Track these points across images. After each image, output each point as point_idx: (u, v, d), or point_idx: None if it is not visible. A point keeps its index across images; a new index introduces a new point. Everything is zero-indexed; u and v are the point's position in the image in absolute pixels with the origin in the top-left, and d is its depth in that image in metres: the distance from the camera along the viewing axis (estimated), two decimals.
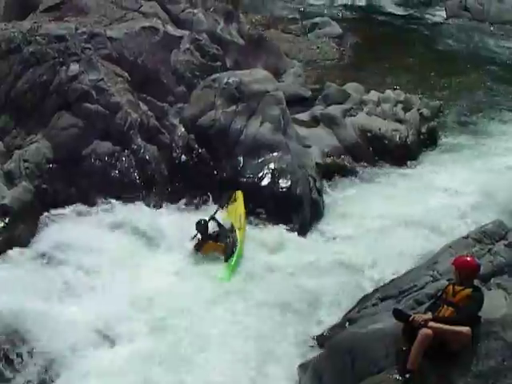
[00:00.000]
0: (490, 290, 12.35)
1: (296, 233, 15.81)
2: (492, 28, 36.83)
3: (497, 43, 34.27)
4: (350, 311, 13.21)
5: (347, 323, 12.60)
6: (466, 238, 13.79)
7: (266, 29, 29.65)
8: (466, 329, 9.82)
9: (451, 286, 10.47)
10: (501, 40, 34.93)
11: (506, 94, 26.87)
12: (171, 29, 19.80)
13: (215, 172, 16.50)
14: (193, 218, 15.34)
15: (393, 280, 13.65)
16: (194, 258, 14.58)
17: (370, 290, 13.81)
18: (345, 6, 38.75)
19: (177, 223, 15.44)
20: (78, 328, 12.26)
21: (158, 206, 16.08)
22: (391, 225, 16.55)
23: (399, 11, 39.39)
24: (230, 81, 17.46)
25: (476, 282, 12.18)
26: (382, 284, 13.91)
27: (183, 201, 16.21)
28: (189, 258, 14.57)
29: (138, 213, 15.66)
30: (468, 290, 10.21)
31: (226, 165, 16.59)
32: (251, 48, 22.52)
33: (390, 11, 38.98)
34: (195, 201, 16.22)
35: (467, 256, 10.68)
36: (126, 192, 15.97)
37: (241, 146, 16.72)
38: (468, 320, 9.97)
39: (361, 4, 39.85)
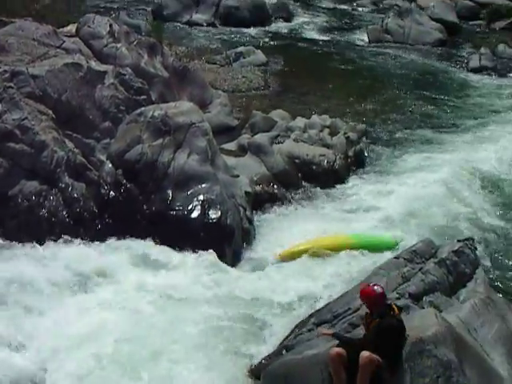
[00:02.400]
0: (423, 308, 12.60)
1: (228, 263, 15.77)
2: (413, 49, 37.67)
3: (417, 64, 35.05)
4: (286, 338, 13.15)
5: (284, 351, 12.54)
6: (397, 258, 14.03)
7: (191, 60, 29.75)
8: (365, 354, 9.89)
9: (366, 314, 10.63)
10: (421, 60, 35.70)
11: (427, 113, 27.57)
12: (95, 64, 19.62)
13: (145, 206, 16.33)
14: (123, 253, 15.30)
15: (327, 304, 13.69)
16: (123, 294, 14.45)
17: (305, 315, 13.80)
18: (269, 33, 39.14)
19: (107, 260, 15.28)
20: None
21: (87, 243, 15.87)
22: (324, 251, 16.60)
23: (322, 37, 40.06)
24: (156, 114, 17.37)
25: (407, 302, 12.43)
26: (316, 309, 13.96)
27: (113, 237, 16.02)
28: (118, 293, 14.43)
29: (67, 251, 15.46)
30: (375, 321, 10.27)
31: (156, 198, 16.40)
32: (176, 80, 22.48)
33: (313, 37, 39.56)
34: (126, 236, 16.07)
35: (372, 285, 10.70)
36: (55, 231, 15.75)
37: (169, 178, 16.59)
38: (377, 351, 10.00)
39: (284, 31, 40.34)
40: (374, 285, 10.70)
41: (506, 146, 24.75)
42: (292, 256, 16.50)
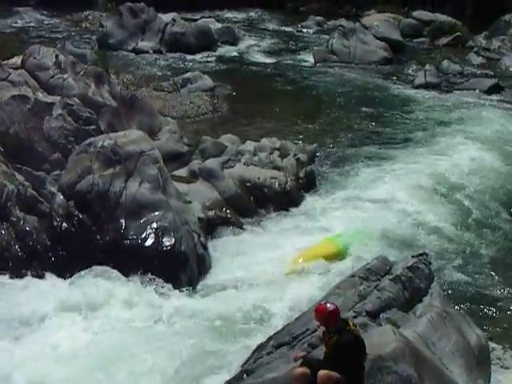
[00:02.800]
0: (381, 325, 12.67)
1: (183, 290, 15.73)
2: (359, 69, 38.12)
3: (363, 82, 35.44)
4: (245, 362, 13.10)
5: (244, 375, 12.42)
6: (353, 276, 14.08)
7: (138, 88, 29.71)
8: (322, 373, 9.93)
9: (324, 333, 10.67)
10: (367, 79, 36.09)
11: (375, 130, 27.93)
12: (42, 96, 19.56)
13: (98, 237, 16.19)
14: (78, 285, 15.19)
15: (286, 326, 13.68)
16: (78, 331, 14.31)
17: (264, 338, 13.78)
18: (215, 58, 39.26)
19: (62, 293, 15.12)
20: None
21: (41, 276, 15.72)
22: (278, 273, 16.73)
23: (269, 59, 40.33)
24: (106, 144, 17.21)
25: (364, 320, 12.50)
26: (275, 331, 13.95)
27: (68, 269, 15.85)
28: (74, 328, 14.31)
29: (21, 284, 15.31)
30: (333, 339, 10.26)
31: (109, 228, 16.24)
32: (124, 109, 22.42)
33: (259, 60, 39.80)
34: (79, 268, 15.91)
35: (324, 303, 10.74)
36: (7, 265, 15.59)
37: (122, 208, 16.46)
38: (338, 368, 10.00)
39: (230, 55, 40.50)
40: (326, 303, 10.74)
41: (456, 157, 25.17)
42: (295, 270, 16.91)
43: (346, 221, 19.61)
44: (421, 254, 14.78)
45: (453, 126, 29.29)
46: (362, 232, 18.81)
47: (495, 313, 16.01)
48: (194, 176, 20.48)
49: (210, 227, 18.57)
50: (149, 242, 16.14)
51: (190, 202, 18.38)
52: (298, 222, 19.65)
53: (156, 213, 16.56)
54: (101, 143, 17.34)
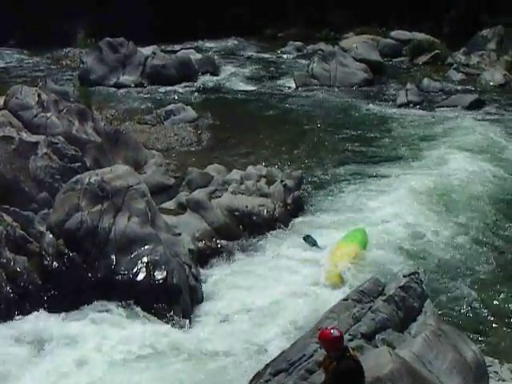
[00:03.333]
0: (377, 346, 12.68)
1: (177, 322, 15.66)
2: (340, 91, 38.29)
3: (346, 105, 35.61)
4: None
5: None
6: (346, 299, 14.07)
7: (122, 122, 29.77)
8: None
9: (324, 358, 10.66)
10: (349, 101, 36.26)
11: (361, 152, 28.15)
12: (26, 135, 19.62)
13: (89, 274, 16.14)
14: (71, 323, 15.17)
15: (282, 353, 13.65)
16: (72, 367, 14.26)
17: (261, 366, 13.75)
18: (197, 89, 39.38)
19: (56, 331, 15.08)
20: None
21: (35, 316, 15.66)
22: (273, 300, 16.69)
23: (250, 87, 40.43)
24: (92, 180, 17.21)
25: (360, 342, 12.50)
26: (272, 358, 13.92)
27: (60, 308, 15.80)
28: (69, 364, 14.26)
29: (15, 325, 15.27)
30: (333, 364, 10.28)
31: (100, 265, 16.21)
32: (109, 144, 22.46)
33: (241, 88, 39.89)
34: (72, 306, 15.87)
35: (330, 328, 10.72)
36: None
37: (112, 243, 16.43)
38: None
39: (212, 85, 40.60)
40: (332, 328, 10.72)
41: (442, 172, 25.46)
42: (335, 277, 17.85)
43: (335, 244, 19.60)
44: (412, 273, 14.79)
45: (436, 142, 29.49)
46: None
47: (489, 327, 16.08)
48: (182, 208, 20.51)
49: (201, 258, 18.56)
50: (140, 277, 16.12)
51: (179, 234, 18.37)
52: (287, 249, 19.67)
53: (146, 247, 16.56)
54: (87, 180, 17.34)
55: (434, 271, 18.52)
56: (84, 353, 14.51)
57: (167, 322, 15.52)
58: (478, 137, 29.88)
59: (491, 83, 41.26)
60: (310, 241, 19.88)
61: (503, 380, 14.12)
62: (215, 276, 18.16)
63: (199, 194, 20.75)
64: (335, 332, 10.42)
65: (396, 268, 18.02)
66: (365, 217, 21.52)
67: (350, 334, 12.72)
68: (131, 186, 17.45)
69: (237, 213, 20.46)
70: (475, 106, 35.35)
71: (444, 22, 51.33)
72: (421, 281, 14.80)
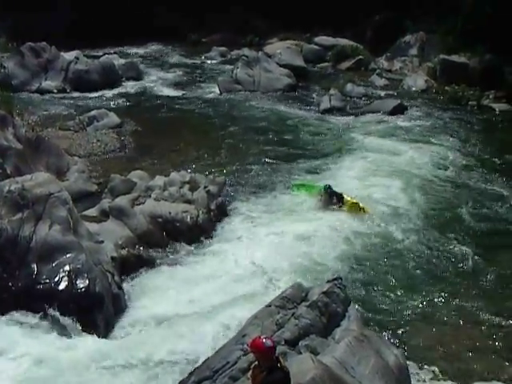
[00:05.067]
0: (300, 353, 12.72)
1: (100, 331, 15.46)
2: (264, 97, 38.42)
3: (270, 110, 35.77)
4: None
5: None
6: (270, 306, 14.13)
7: (44, 128, 29.26)
8: None
9: (254, 367, 10.61)
10: (273, 106, 36.43)
11: (285, 156, 28.32)
12: None
13: (10, 283, 15.80)
14: None
15: (206, 360, 13.63)
16: None
17: (184, 375, 13.69)
18: (121, 95, 39.08)
19: None
20: None
21: None
22: (196, 308, 16.67)
23: (174, 93, 40.28)
24: (12, 188, 16.90)
25: (283, 349, 12.52)
26: (196, 366, 13.87)
27: None
28: None
29: None
30: (263, 374, 10.19)
31: (21, 274, 15.85)
32: (30, 151, 22.15)
33: (165, 94, 39.73)
34: None
35: (263, 338, 10.63)
36: None
37: (33, 252, 16.11)
38: None
39: (136, 91, 40.35)
40: (265, 338, 10.63)
41: (368, 179, 25.90)
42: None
43: (260, 248, 19.79)
44: (335, 279, 14.94)
45: (358, 146, 29.85)
46: None
47: (411, 331, 16.27)
48: (104, 215, 20.28)
49: (124, 266, 18.35)
50: (62, 285, 15.83)
51: (102, 241, 18.16)
52: (211, 254, 19.64)
53: (68, 255, 16.30)
54: (7, 188, 17.04)
55: (356, 276, 18.64)
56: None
57: (89, 331, 15.25)
58: (398, 142, 30.38)
59: (413, 88, 41.92)
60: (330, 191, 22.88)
61: (424, 381, 14.35)
62: (139, 283, 17.99)
63: (122, 200, 20.55)
64: (268, 342, 10.36)
65: (319, 273, 18.10)
66: (286, 223, 21.66)
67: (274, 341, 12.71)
68: (52, 194, 17.20)
69: (160, 219, 20.33)
70: (398, 111, 35.76)
71: (367, 28, 51.82)
72: (344, 286, 14.95)
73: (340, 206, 22.77)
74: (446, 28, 44.98)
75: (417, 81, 42.72)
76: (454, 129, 33.18)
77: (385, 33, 49.06)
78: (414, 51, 48.09)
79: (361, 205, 22.69)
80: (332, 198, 22.86)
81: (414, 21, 48.70)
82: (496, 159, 28.98)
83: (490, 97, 38.91)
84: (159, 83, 42.77)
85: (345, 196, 22.91)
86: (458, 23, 43.50)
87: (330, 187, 23.02)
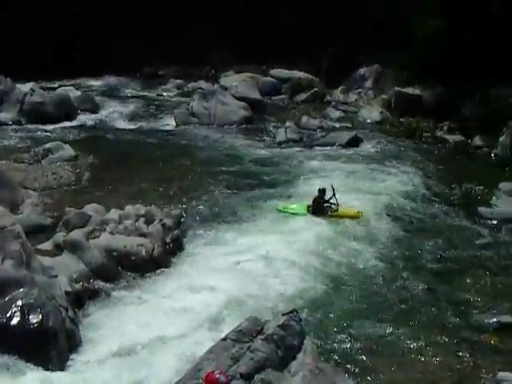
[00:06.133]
0: None
1: (53, 367, 15.19)
2: (220, 130, 38.56)
3: (225, 143, 35.99)
4: None
5: None
6: (225, 340, 14.03)
7: None
8: None
9: None
10: (229, 139, 36.56)
11: (237, 189, 28.29)
12: None
13: None
14: None
15: None
16: None
17: None
18: (76, 127, 38.87)
19: None
20: None
21: None
22: (151, 343, 16.43)
23: (130, 125, 40.26)
24: None
25: (239, 383, 12.45)
26: None
27: None
28: None
29: None
30: None
31: None
32: None
33: (121, 127, 39.65)
34: None
35: (216, 373, 10.54)
36: None
37: None
38: None
39: (91, 123, 40.18)
40: (219, 373, 10.55)
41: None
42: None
43: (216, 281, 19.58)
44: (291, 312, 14.89)
45: (312, 179, 29.88)
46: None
47: (367, 363, 16.23)
48: (58, 249, 20.08)
49: (79, 300, 18.12)
50: (14, 321, 15.54)
51: (55, 275, 17.93)
52: (166, 287, 19.47)
53: (21, 290, 16.04)
54: None
55: (312, 308, 18.60)
56: None
57: (43, 367, 15.02)
58: (353, 175, 30.55)
59: (368, 120, 42.28)
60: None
61: None
62: (93, 318, 17.75)
63: (76, 234, 20.36)
64: (222, 378, 10.30)
65: (272, 308, 18.06)
66: (244, 255, 21.51)
67: (229, 375, 12.63)
68: (5, 227, 17.07)
69: (115, 253, 20.16)
70: (352, 143, 36.05)
71: (322, 61, 52.18)
72: (299, 319, 14.90)
73: (332, 212, 24.63)
74: (401, 61, 45.51)
75: (372, 113, 43.11)
76: (409, 160, 33.44)
77: (340, 65, 49.40)
78: (369, 84, 48.50)
79: (355, 210, 24.90)
80: (324, 206, 24.76)
81: (368, 54, 49.17)
82: (451, 190, 29.27)
83: (444, 128, 39.37)
84: (115, 116, 42.66)
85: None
86: (412, 57, 44.04)
87: (324, 190, 24.82)
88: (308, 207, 25.04)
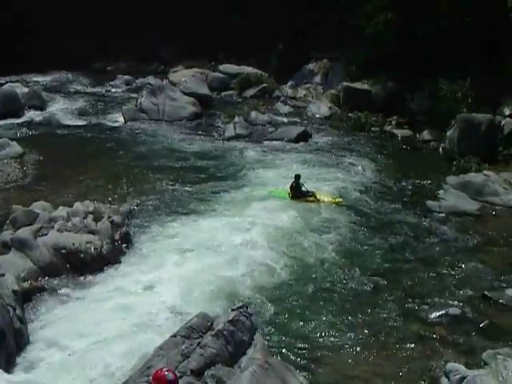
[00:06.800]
0: (206, 383, 12.66)
1: (1, 368, 14.93)
2: (169, 125, 38.38)
3: (174, 139, 35.86)
4: None
5: None
6: (175, 336, 14.03)
7: None
8: None
9: None
10: (178, 135, 36.49)
11: (186, 184, 28.20)
12: None
13: None
14: None
15: None
16: None
17: None
18: (23, 124, 38.40)
19: None
20: None
21: None
22: (101, 340, 16.35)
23: (78, 122, 39.75)
24: None
25: (189, 379, 12.43)
26: None
27: None
28: None
29: None
30: None
31: None
32: None
33: (69, 123, 39.16)
34: None
35: (165, 370, 10.46)
36: None
37: None
38: None
39: (39, 120, 39.71)
40: (167, 370, 10.47)
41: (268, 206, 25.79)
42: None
43: (164, 280, 19.58)
44: (241, 307, 14.97)
45: (261, 172, 30.18)
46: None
47: (317, 358, 16.33)
48: (5, 247, 19.91)
49: (27, 299, 18.00)
50: None
51: (2, 274, 17.75)
52: (116, 285, 19.38)
53: None
54: None
55: (263, 304, 18.63)
56: None
57: None
58: (301, 168, 30.57)
59: (317, 115, 42.38)
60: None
61: None
62: (42, 317, 17.65)
63: (24, 232, 20.18)
64: (170, 375, 10.22)
65: (222, 303, 18.08)
66: (193, 250, 21.57)
67: (179, 372, 12.69)
68: None
69: (63, 251, 20.01)
70: (302, 138, 36.14)
71: (271, 56, 52.24)
72: (250, 314, 14.93)
73: (310, 196, 26.31)
74: (349, 56, 45.74)
75: (320, 108, 43.24)
76: (357, 155, 33.61)
77: (289, 60, 49.51)
78: (318, 79, 48.65)
79: (333, 197, 26.50)
80: (301, 190, 26.39)
81: (317, 48, 49.31)
82: (399, 184, 29.52)
83: (393, 123, 39.65)
84: (63, 112, 42.10)
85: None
86: (360, 52, 44.28)
87: (299, 176, 26.47)
88: (288, 193, 26.59)
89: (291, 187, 26.57)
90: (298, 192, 26.49)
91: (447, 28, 37.12)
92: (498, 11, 34.08)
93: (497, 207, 26.89)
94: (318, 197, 26.42)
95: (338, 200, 26.54)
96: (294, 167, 30.40)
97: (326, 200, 26.47)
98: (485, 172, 29.21)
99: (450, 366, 15.12)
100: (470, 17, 36.56)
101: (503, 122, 32.46)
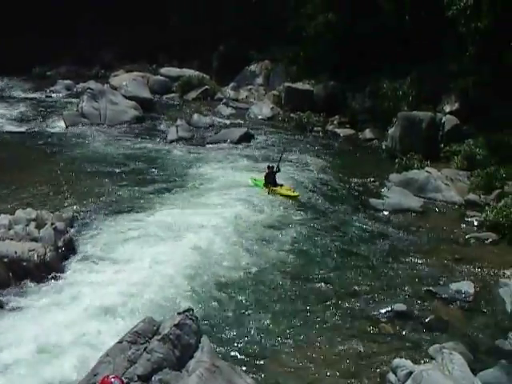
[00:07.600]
0: None
1: None
2: (111, 130, 38.18)
3: (116, 143, 35.82)
4: None
5: None
6: (121, 342, 13.89)
7: None
8: None
9: None
10: (120, 139, 36.30)
11: (131, 189, 28.18)
12: None
13: None
14: None
15: None
16: None
17: None
18: None
19: None
20: None
21: None
22: (44, 350, 16.07)
23: (19, 128, 39.33)
24: None
25: None
26: None
27: None
28: None
29: None
30: None
31: None
32: None
33: (8, 130, 38.70)
34: None
35: (111, 377, 10.38)
36: None
37: None
38: None
39: None
40: (113, 377, 10.41)
41: (219, 210, 25.74)
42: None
43: (108, 286, 19.31)
44: (187, 310, 14.87)
45: (203, 177, 30.19)
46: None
47: (266, 360, 16.33)
48: None
49: None
50: None
51: None
52: (59, 293, 19.08)
53: None
54: None
55: (208, 308, 18.59)
56: None
57: None
58: (238, 170, 30.98)
59: (260, 117, 42.59)
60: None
61: None
62: None
63: None
64: (116, 382, 10.18)
65: (169, 308, 17.91)
66: (138, 256, 21.35)
67: (126, 378, 12.58)
68: None
69: (6, 259, 19.62)
70: (244, 139, 36.40)
71: (212, 58, 52.29)
72: (196, 317, 14.86)
73: (277, 187, 27.73)
74: (290, 56, 45.97)
75: (263, 109, 43.43)
76: (299, 155, 33.84)
77: (230, 62, 49.62)
78: (259, 80, 48.92)
79: (294, 192, 27.55)
80: (274, 179, 28.02)
81: (258, 50, 49.47)
82: (343, 182, 29.81)
83: (335, 122, 40.04)
84: (2, 119, 41.63)
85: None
86: (301, 52, 44.52)
87: (273, 167, 28.13)
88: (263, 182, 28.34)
89: (265, 176, 28.11)
90: (270, 179, 27.99)
91: (386, 27, 37.44)
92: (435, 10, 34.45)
93: (439, 203, 27.29)
94: (279, 190, 27.69)
95: (295, 194, 27.49)
96: (234, 168, 30.59)
97: (284, 194, 27.52)
98: (427, 169, 29.59)
99: (397, 361, 15.22)
100: (409, 16, 36.93)
101: (444, 120, 32.89)
